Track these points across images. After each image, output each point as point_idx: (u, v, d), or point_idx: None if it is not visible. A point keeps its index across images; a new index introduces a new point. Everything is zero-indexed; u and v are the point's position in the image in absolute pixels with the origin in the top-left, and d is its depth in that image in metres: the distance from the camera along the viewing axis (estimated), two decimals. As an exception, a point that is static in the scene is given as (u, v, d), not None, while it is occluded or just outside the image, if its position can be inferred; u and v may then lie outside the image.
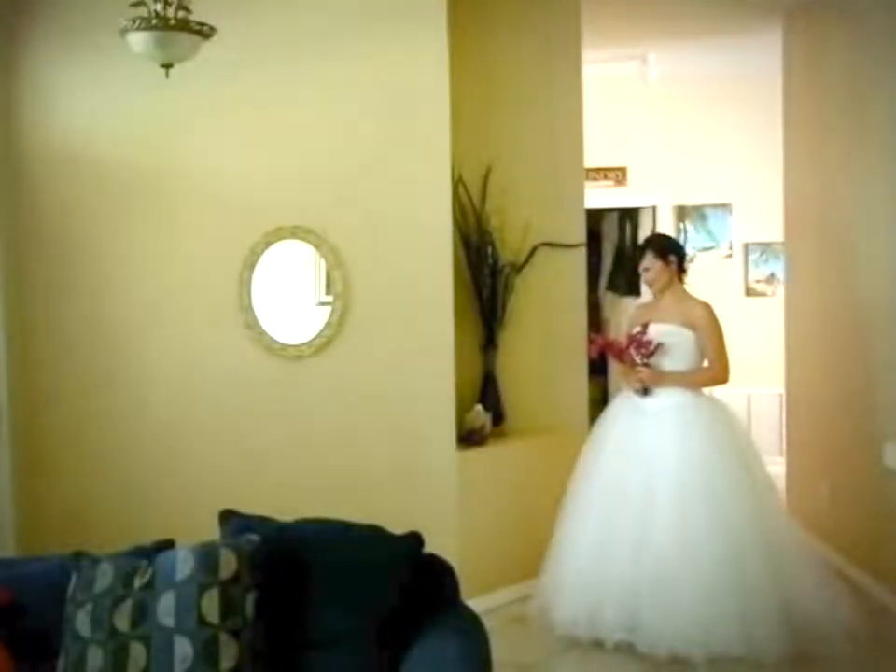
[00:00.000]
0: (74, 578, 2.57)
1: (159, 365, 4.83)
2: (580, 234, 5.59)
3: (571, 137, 5.60)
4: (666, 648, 4.27)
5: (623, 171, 8.34)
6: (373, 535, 2.73)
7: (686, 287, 4.87)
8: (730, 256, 8.42)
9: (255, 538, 2.60)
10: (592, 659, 4.43)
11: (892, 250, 4.95)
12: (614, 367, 6.76)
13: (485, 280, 5.29)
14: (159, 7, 3.11)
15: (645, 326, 4.74)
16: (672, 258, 4.81)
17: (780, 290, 7.37)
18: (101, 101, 4.79)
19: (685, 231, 8.31)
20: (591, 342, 5.02)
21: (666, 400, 4.65)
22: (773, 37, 6.67)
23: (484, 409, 5.21)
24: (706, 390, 4.83)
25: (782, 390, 6.94)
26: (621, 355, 4.74)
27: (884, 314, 5.06)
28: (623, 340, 4.85)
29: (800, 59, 6.44)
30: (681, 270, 4.85)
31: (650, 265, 4.81)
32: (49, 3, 4.81)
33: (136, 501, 4.78)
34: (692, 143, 8.21)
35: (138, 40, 3.14)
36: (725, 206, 8.36)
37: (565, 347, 5.53)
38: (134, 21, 3.10)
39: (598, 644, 4.46)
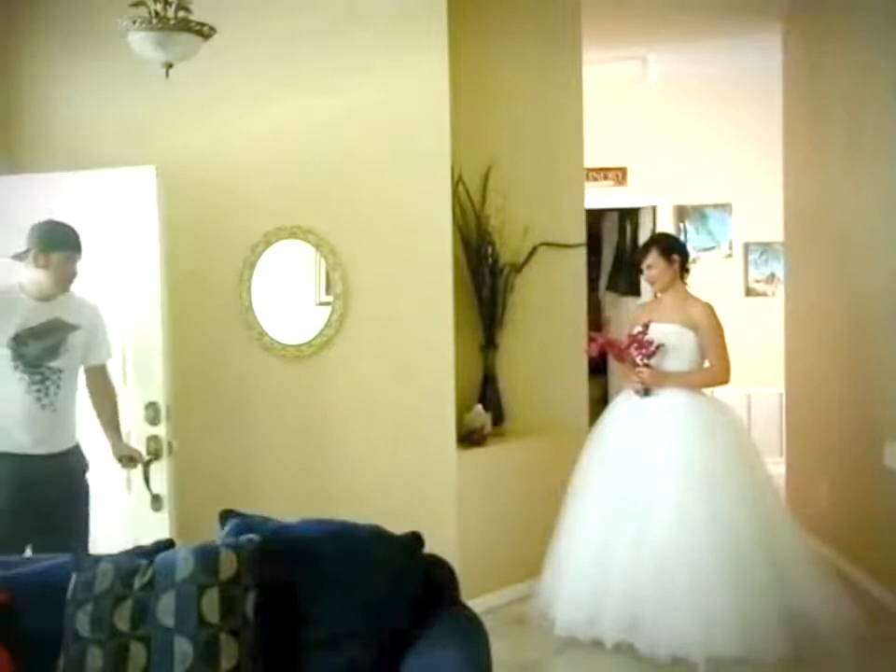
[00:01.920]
0: (74, 578, 2.57)
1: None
2: (580, 234, 5.60)
3: (571, 137, 5.61)
4: (666, 648, 4.28)
5: (622, 171, 8.34)
6: (374, 535, 2.72)
7: (687, 286, 4.88)
8: (730, 256, 8.41)
9: (255, 538, 2.60)
10: (592, 659, 4.43)
11: (892, 250, 4.95)
12: (614, 367, 6.76)
13: (485, 280, 5.29)
14: (159, 6, 3.11)
15: (646, 326, 4.74)
16: (676, 257, 4.82)
17: (780, 290, 7.38)
18: (100, 100, 4.77)
19: (685, 231, 8.30)
20: (591, 340, 5.02)
21: (667, 401, 4.65)
22: (773, 38, 6.69)
23: (484, 409, 5.21)
24: (707, 391, 4.83)
25: (782, 390, 6.95)
26: (621, 355, 4.74)
27: (884, 313, 5.06)
28: (623, 340, 4.85)
29: (799, 59, 6.45)
30: (684, 270, 4.86)
31: (653, 262, 4.81)
32: (48, 3, 4.81)
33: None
34: (692, 143, 8.20)
35: (138, 40, 3.15)
36: (725, 206, 8.36)
37: (565, 347, 5.53)
38: (134, 21, 3.11)
39: (598, 644, 4.46)
